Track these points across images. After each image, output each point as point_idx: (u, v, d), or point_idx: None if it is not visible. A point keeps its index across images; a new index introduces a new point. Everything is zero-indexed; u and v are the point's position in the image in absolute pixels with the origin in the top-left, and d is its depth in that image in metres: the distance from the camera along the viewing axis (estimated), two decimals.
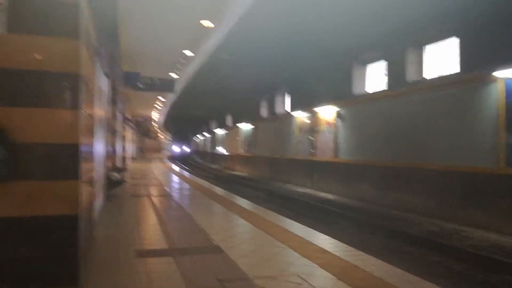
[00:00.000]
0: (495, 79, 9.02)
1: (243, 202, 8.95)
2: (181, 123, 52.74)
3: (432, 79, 11.50)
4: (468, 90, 9.84)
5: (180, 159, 49.16)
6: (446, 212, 10.21)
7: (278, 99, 23.56)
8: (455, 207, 10.02)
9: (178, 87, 20.55)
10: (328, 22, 12.17)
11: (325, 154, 16.77)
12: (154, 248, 4.82)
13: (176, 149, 57.47)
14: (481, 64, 9.47)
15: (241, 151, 30.73)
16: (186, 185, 13.00)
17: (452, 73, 10.73)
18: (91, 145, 4.68)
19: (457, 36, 10.58)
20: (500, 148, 8.85)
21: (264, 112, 25.79)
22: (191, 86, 22.24)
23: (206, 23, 10.02)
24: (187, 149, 58.13)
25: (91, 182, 4.80)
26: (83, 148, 3.55)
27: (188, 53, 13.51)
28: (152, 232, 5.80)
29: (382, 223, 9.71)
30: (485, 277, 6.12)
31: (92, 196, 5.06)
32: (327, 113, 16.54)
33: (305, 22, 12.27)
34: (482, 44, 9.63)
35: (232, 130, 33.53)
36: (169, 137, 75.02)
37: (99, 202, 7.04)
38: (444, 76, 10.98)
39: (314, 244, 5.05)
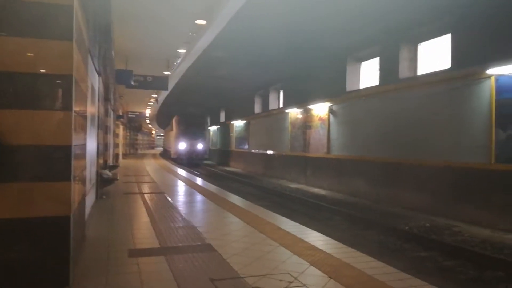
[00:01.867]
0: (486, 76, 9.11)
1: (236, 199, 8.98)
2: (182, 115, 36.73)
3: (424, 75, 11.58)
4: (459, 87, 9.92)
5: (187, 161, 30.31)
6: (440, 207, 10.32)
7: (272, 96, 23.59)
8: (448, 202, 10.12)
9: (171, 84, 20.48)
10: (323, 20, 12.21)
11: (318, 150, 16.84)
12: (146, 247, 4.82)
13: (182, 146, 31.30)
14: (472, 61, 9.56)
15: (233, 147, 30.80)
16: (178, 182, 13.00)
17: (444, 69, 10.82)
18: (83, 145, 4.68)
19: (450, 32, 10.66)
20: (491, 144, 8.95)
21: (257, 108, 25.81)
22: (184, 83, 22.20)
23: (200, 21, 9.99)
24: (200, 146, 31.79)
25: (83, 181, 4.81)
26: (75, 149, 3.56)
27: (181, 50, 13.48)
28: (144, 230, 5.81)
29: (374, 219, 9.79)
30: (477, 274, 6.20)
31: (84, 195, 5.06)
32: (321, 109, 16.59)
33: (300, 20, 12.30)
34: (473, 41, 9.72)
35: (225, 126, 33.54)
36: (162, 132, 67.10)
37: (91, 200, 7.04)
38: (436, 72, 11.06)
39: (306, 242, 5.09)
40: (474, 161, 9.40)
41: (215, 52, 15.05)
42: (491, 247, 7.41)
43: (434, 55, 11.69)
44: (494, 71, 8.81)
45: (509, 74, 8.57)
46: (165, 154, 42.99)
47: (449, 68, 10.49)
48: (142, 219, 6.70)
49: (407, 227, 9.02)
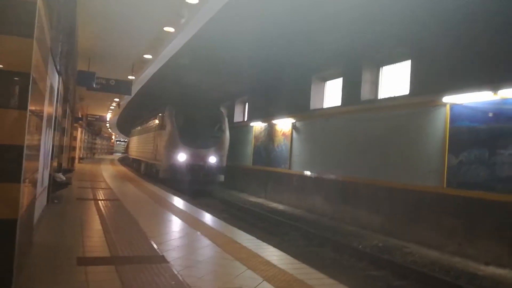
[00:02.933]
0: (441, 104, 9.55)
1: (194, 210, 8.88)
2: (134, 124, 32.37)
3: (384, 99, 11.99)
4: (417, 112, 10.34)
5: (188, 182, 17.19)
6: (393, 228, 10.61)
7: (237, 108, 23.63)
8: (401, 223, 10.43)
9: (135, 89, 20.11)
10: (291, 37, 12.45)
11: (279, 165, 16.98)
12: (96, 256, 4.67)
13: (181, 157, 17.47)
14: (429, 89, 10.00)
15: None
16: (135, 189, 12.71)
17: (402, 94, 11.26)
18: (37, 146, 4.50)
19: (410, 59, 11.14)
20: (444, 169, 9.35)
21: None
22: (148, 89, 21.86)
23: (168, 28, 9.92)
24: (212, 158, 18.05)
25: (33, 184, 4.61)
26: (27, 150, 3.42)
27: (147, 56, 13.30)
28: (95, 238, 5.62)
29: (329, 236, 9.94)
30: None
31: (34, 199, 4.84)
32: (285, 125, 16.79)
33: (268, 36, 12.49)
34: (431, 70, 10.18)
35: None
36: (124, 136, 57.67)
37: (41, 204, 6.75)
38: (395, 97, 11.49)
39: (261, 257, 5.09)
40: (427, 184, 9.77)
41: (182, 60, 14.97)
42: (439, 269, 7.69)
43: (396, 79, 12.14)
44: (449, 99, 9.25)
45: (463, 104, 9.04)
46: (137, 167, 26.89)
47: (408, 94, 10.92)
48: (94, 226, 6.49)
49: (360, 246, 9.20)
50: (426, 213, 9.74)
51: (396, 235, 10.34)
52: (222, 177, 18.49)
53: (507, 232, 7.91)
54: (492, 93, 8.30)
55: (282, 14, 10.90)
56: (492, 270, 7.72)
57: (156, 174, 18.68)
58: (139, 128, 29.27)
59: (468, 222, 8.68)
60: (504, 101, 8.22)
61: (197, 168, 17.55)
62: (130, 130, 36.36)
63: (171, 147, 17.41)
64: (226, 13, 9.66)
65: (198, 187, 17.46)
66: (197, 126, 18.11)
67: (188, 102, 20.42)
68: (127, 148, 50.49)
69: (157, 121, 20.43)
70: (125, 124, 44.58)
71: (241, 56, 15.06)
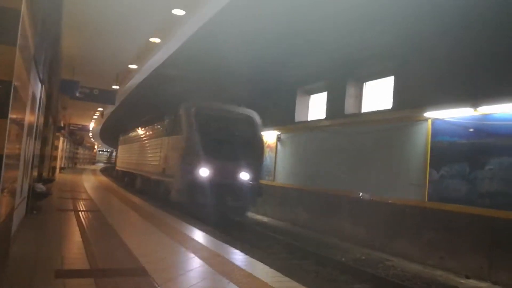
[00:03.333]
0: (423, 119, 9.71)
1: (177, 223, 8.77)
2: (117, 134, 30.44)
3: (367, 113, 12.16)
4: (400, 127, 10.49)
5: (211, 206, 11.94)
6: (376, 241, 10.66)
7: None
8: (384, 237, 10.49)
9: (119, 99, 19.94)
10: (275, 52, 12.57)
11: (264, 177, 16.95)
12: (75, 268, 4.56)
13: (203, 172, 12.08)
14: (411, 104, 10.18)
15: None
16: (117, 200, 12.52)
17: (386, 109, 11.43)
18: (16, 155, 4.40)
19: (393, 75, 11.34)
20: (426, 183, 9.48)
21: None
22: (132, 98, 21.70)
23: (154, 39, 9.90)
24: (243, 175, 12.65)
25: (12, 194, 4.50)
26: (7, 158, 3.34)
27: (132, 66, 13.23)
28: (75, 250, 5.50)
29: (312, 249, 9.92)
30: None
31: (12, 209, 4.73)
32: (270, 137, 16.82)
33: (252, 49, 12.57)
34: (413, 85, 10.38)
35: None
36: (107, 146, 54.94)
37: (20, 215, 6.59)
38: (378, 111, 11.66)
39: (244, 270, 5.05)
40: (409, 198, 9.88)
41: (168, 70, 14.93)
42: (421, 282, 7.74)
43: (380, 94, 12.33)
44: (430, 114, 9.42)
45: (444, 119, 9.21)
46: (130, 183, 21.14)
47: (391, 108, 11.09)
48: (74, 238, 6.35)
49: (343, 259, 9.21)
50: (408, 226, 9.83)
51: (380, 248, 10.39)
52: (255, 202, 13.47)
53: (486, 245, 8.03)
54: (473, 109, 8.50)
55: (268, 30, 11.02)
56: (473, 283, 7.81)
57: (164, 195, 13.48)
58: (133, 134, 22.80)
59: (449, 235, 8.79)
60: (484, 117, 8.41)
61: (224, 188, 12.33)
62: (119, 137, 29.64)
63: (190, 159, 12.22)
64: (212, 26, 9.71)
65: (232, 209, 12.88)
66: (225, 131, 13.10)
67: (209, 99, 15.01)
68: (115, 159, 43.70)
69: (165, 124, 15.07)
70: (109, 133, 43.25)
71: (227, 69, 15.10)
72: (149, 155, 16.98)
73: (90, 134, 52.58)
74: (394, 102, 11.02)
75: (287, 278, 4.85)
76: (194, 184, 12.04)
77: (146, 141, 18.52)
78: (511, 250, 7.62)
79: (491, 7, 8.39)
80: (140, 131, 20.79)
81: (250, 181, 12.81)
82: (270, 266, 5.46)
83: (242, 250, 6.56)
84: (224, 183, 12.34)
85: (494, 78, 8.39)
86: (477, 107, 8.41)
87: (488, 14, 8.55)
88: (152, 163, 16.09)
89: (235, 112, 13.91)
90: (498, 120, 8.18)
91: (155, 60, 12.67)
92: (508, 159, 7.90)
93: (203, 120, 12.92)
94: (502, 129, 8.08)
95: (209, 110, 13.48)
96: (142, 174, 17.89)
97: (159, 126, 16.42)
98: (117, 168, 29.50)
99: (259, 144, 13.66)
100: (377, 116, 11.44)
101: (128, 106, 24.84)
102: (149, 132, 18.61)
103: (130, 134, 23.95)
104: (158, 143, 15.66)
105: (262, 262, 5.61)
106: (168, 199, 12.93)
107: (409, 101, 10.34)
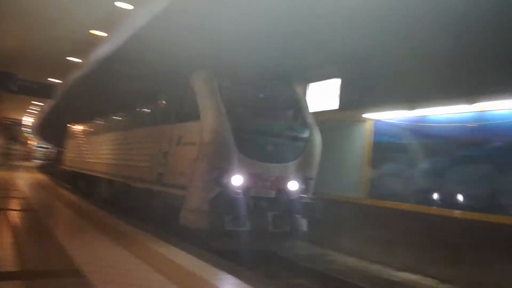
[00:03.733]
0: (365, 120, 10.12)
1: (123, 226, 8.40)
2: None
3: (313, 112, 12.41)
4: (344, 126, 10.86)
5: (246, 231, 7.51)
6: (317, 236, 10.91)
7: None
8: (325, 232, 10.77)
9: (61, 93, 18.99)
10: (222, 54, 12.49)
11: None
12: (3, 271, 4.29)
13: (237, 179, 7.45)
14: (354, 105, 10.57)
15: None
16: (54, 199, 11.95)
17: (331, 109, 11.79)
18: None
19: (338, 77, 11.73)
20: (365, 181, 9.88)
21: None
22: (75, 92, 20.73)
23: (96, 31, 9.55)
24: (291, 183, 7.99)
25: None
26: None
27: (73, 59, 12.67)
28: (4, 251, 5.17)
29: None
30: None
31: None
32: None
33: (200, 47, 12.41)
34: (355, 88, 10.78)
35: None
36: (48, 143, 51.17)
37: None
38: (325, 111, 11.96)
39: (199, 276, 4.78)
40: (352, 195, 10.25)
41: (115, 64, 14.35)
42: (358, 275, 8.05)
43: (327, 95, 12.65)
44: (369, 115, 9.85)
45: (385, 120, 9.66)
46: (89, 190, 15.45)
47: (337, 109, 11.47)
48: (5, 239, 5.97)
49: (285, 254, 9.33)
50: (350, 222, 10.16)
51: (321, 244, 10.65)
52: (305, 224, 8.54)
53: (417, 240, 8.51)
54: (409, 111, 8.96)
55: (213, 29, 10.89)
56: (406, 276, 8.24)
57: (161, 214, 8.82)
58: (96, 123, 17.32)
59: (386, 230, 9.21)
60: (420, 118, 8.91)
61: (264, 204, 7.85)
62: (68, 129, 23.38)
63: (218, 160, 7.64)
64: (162, 21, 9.48)
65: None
66: (263, 118, 8.43)
67: (241, 80, 9.11)
68: (57, 156, 35.26)
69: (161, 106, 10.40)
70: (53, 127, 40.25)
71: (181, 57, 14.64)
72: (129, 152, 11.73)
73: (29, 130, 49.78)
74: (340, 103, 11.41)
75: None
76: (225, 200, 7.43)
77: (121, 132, 13.22)
78: (441, 244, 8.11)
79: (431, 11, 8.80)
80: (109, 119, 15.41)
81: (299, 191, 8.28)
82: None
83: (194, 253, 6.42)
84: (264, 197, 7.93)
85: (429, 81, 8.86)
86: (413, 109, 8.87)
87: (427, 20, 8.97)
88: (135, 163, 10.76)
89: (275, 89, 9.23)
90: (431, 122, 8.69)
91: (100, 54, 12.22)
92: (441, 159, 8.43)
93: (232, 98, 8.19)
94: (434, 130, 8.59)
95: (237, 84, 8.79)
96: (113, 178, 12.43)
97: (147, 110, 11.77)
98: (64, 167, 23.10)
99: (312, 136, 8.87)
100: (322, 116, 11.72)
101: (77, 100, 23.53)
102: (126, 118, 13.52)
103: (91, 123, 18.42)
104: (146, 133, 10.69)
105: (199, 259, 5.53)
106: (167, 221, 8.37)
107: (352, 102, 10.72)
